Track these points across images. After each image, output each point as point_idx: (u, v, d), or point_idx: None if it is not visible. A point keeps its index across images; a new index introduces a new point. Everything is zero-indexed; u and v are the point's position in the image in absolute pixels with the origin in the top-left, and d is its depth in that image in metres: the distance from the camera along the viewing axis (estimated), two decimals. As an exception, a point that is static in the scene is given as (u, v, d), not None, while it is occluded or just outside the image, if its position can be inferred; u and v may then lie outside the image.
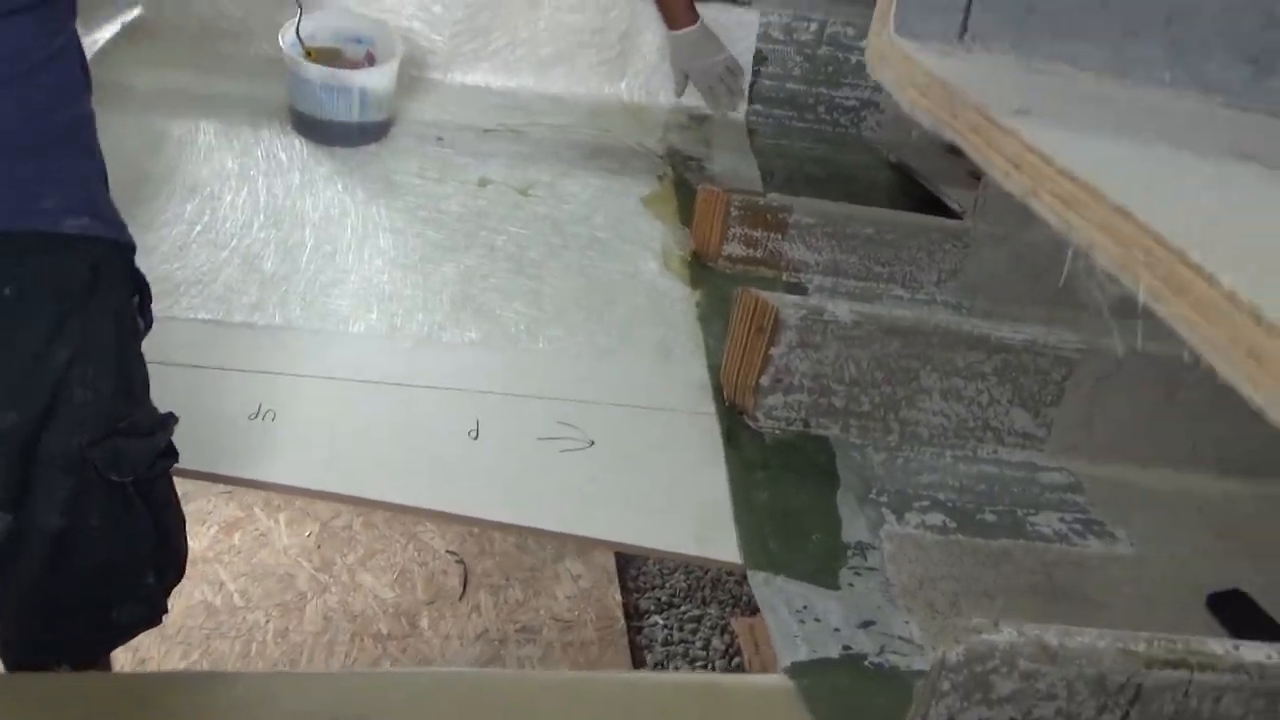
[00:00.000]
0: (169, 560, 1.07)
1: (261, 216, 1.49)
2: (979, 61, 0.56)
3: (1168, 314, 0.42)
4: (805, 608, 1.11)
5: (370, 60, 1.72)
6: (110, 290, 0.96)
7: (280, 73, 1.66)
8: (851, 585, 1.16)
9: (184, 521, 1.08)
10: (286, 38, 1.64)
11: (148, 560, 1.03)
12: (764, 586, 1.14)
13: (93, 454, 0.93)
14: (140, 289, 1.02)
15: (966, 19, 0.57)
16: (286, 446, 1.18)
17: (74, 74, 0.96)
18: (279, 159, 1.60)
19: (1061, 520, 1.31)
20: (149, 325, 1.04)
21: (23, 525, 0.92)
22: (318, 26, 1.72)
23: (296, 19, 1.66)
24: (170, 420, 1.01)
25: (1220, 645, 0.82)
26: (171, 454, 1.02)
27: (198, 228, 1.44)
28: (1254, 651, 0.82)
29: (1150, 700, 0.79)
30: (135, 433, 0.98)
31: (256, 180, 1.55)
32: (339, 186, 1.57)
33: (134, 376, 0.99)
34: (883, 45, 0.58)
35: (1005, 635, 0.77)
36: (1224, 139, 0.56)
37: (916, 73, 0.54)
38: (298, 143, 1.64)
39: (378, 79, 1.65)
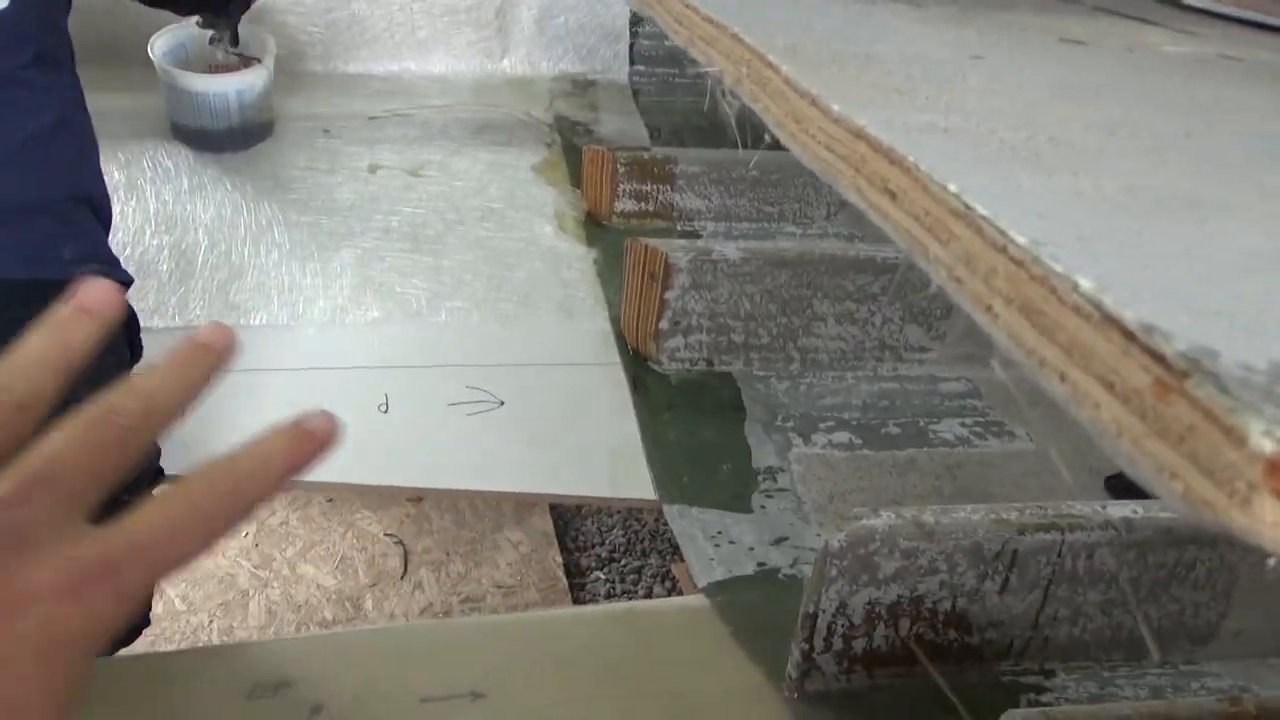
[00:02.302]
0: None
1: (153, 224, 1.49)
2: None
3: (759, 109, 0.48)
4: (720, 533, 1.16)
5: (245, 63, 1.72)
6: (120, 329, 1.04)
7: (158, 82, 1.66)
8: (764, 507, 1.20)
9: None
10: (156, 49, 1.64)
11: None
12: (679, 518, 1.17)
13: None
14: (132, 322, 1.11)
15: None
16: (197, 444, 1.19)
17: (80, 139, 1.09)
18: (165, 166, 1.60)
19: (962, 425, 1.37)
20: (139, 356, 1.12)
21: None
22: (188, 36, 1.71)
23: (166, 31, 1.66)
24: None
25: (1088, 506, 0.87)
26: (162, 472, 1.10)
27: (88, 241, 1.43)
28: (1120, 509, 0.88)
29: (1026, 563, 0.84)
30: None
31: (144, 190, 1.55)
32: (228, 186, 1.58)
33: None
34: None
35: (884, 519, 0.82)
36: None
37: None
38: (183, 150, 1.64)
39: (252, 81, 1.64)
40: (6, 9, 1.00)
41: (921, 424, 1.37)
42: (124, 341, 1.08)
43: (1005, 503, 0.91)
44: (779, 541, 1.15)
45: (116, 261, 1.07)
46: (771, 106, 0.48)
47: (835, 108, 0.46)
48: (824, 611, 0.82)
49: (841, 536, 0.80)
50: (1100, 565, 0.86)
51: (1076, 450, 1.36)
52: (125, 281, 1.09)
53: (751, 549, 1.13)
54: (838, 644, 0.83)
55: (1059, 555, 0.85)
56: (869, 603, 0.82)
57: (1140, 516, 0.87)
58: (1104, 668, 0.91)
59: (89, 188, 1.08)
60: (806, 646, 0.83)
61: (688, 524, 1.17)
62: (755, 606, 1.04)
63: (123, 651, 1.10)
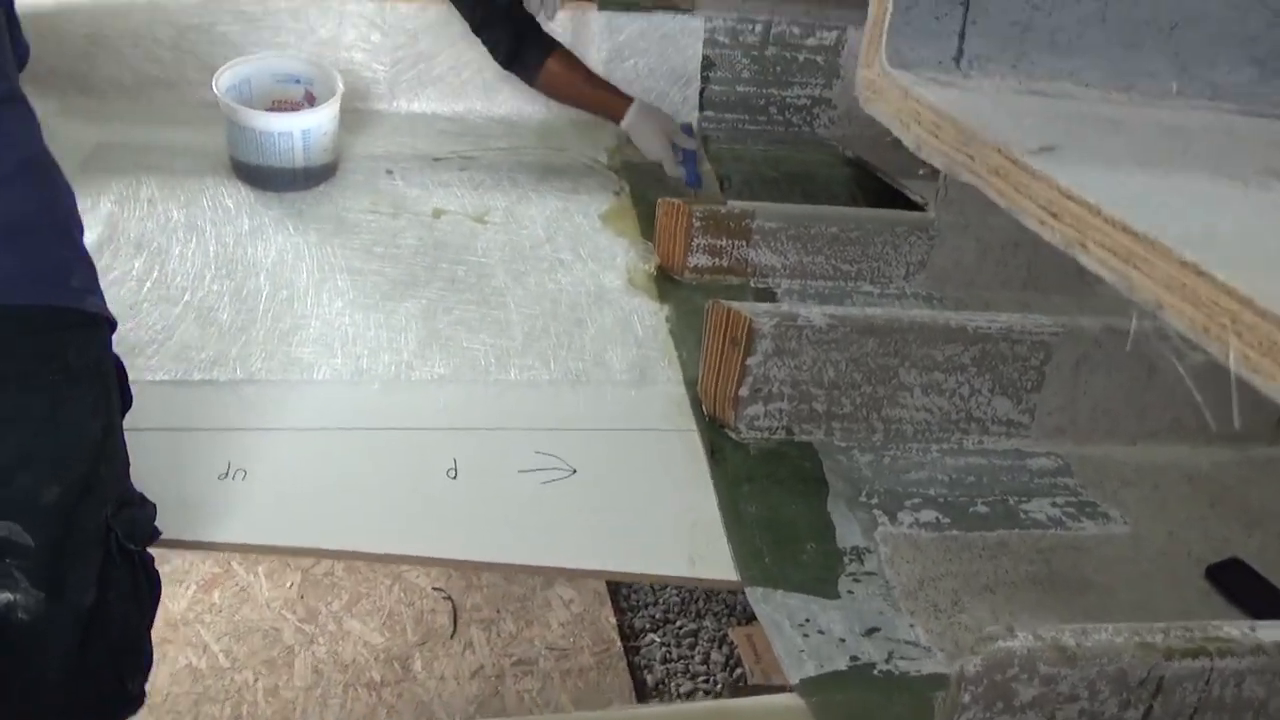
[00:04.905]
0: (151, 630, 1.07)
1: (213, 267, 1.44)
2: (980, 87, 0.53)
3: (1270, 388, 0.38)
4: (808, 620, 1.09)
5: (310, 100, 1.68)
6: (114, 368, 1.03)
7: (220, 117, 1.62)
8: (852, 592, 1.14)
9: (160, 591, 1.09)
10: (221, 83, 1.60)
11: (149, 628, 1.06)
12: (763, 603, 1.11)
13: (114, 523, 0.97)
14: (120, 371, 1.05)
15: (962, 43, 0.54)
16: (260, 504, 1.14)
17: (59, 170, 1.04)
18: (225, 206, 1.56)
19: (1054, 505, 1.30)
20: (129, 404, 1.07)
21: (55, 603, 0.92)
22: (253, 71, 1.67)
23: (232, 65, 1.63)
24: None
25: (1237, 628, 0.81)
26: (158, 532, 1.05)
27: (147, 284, 1.39)
28: (1272, 631, 0.81)
29: (1173, 691, 0.78)
30: (139, 502, 1.03)
31: (204, 230, 1.51)
32: (290, 229, 1.53)
33: (127, 452, 1.04)
34: (875, 78, 0.54)
35: (1022, 641, 0.75)
36: (1255, 158, 0.53)
37: (920, 109, 0.51)
38: (243, 188, 1.60)
39: (319, 119, 1.60)
40: None
41: (1011, 503, 1.30)
42: (115, 389, 1.02)
43: (1127, 609, 0.85)
44: (871, 633, 1.08)
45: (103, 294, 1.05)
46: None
47: None
48: (954, 740, 0.75)
49: (978, 661, 0.73)
50: (1250, 694, 0.79)
51: (1174, 535, 1.29)
52: (112, 324, 1.03)
53: (843, 640, 1.07)
54: (966, 774, 0.77)
55: (1207, 683, 0.78)
56: (1002, 731, 0.76)
57: (1292, 640, 0.80)
58: (1246, 801, 0.83)
59: (78, 219, 1.05)
60: (934, 777, 0.76)
61: (772, 609, 1.11)
62: (854, 709, 0.97)
63: None
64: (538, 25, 1.82)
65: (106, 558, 0.96)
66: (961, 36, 0.54)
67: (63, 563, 0.92)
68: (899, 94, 0.52)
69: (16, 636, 0.91)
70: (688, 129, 1.88)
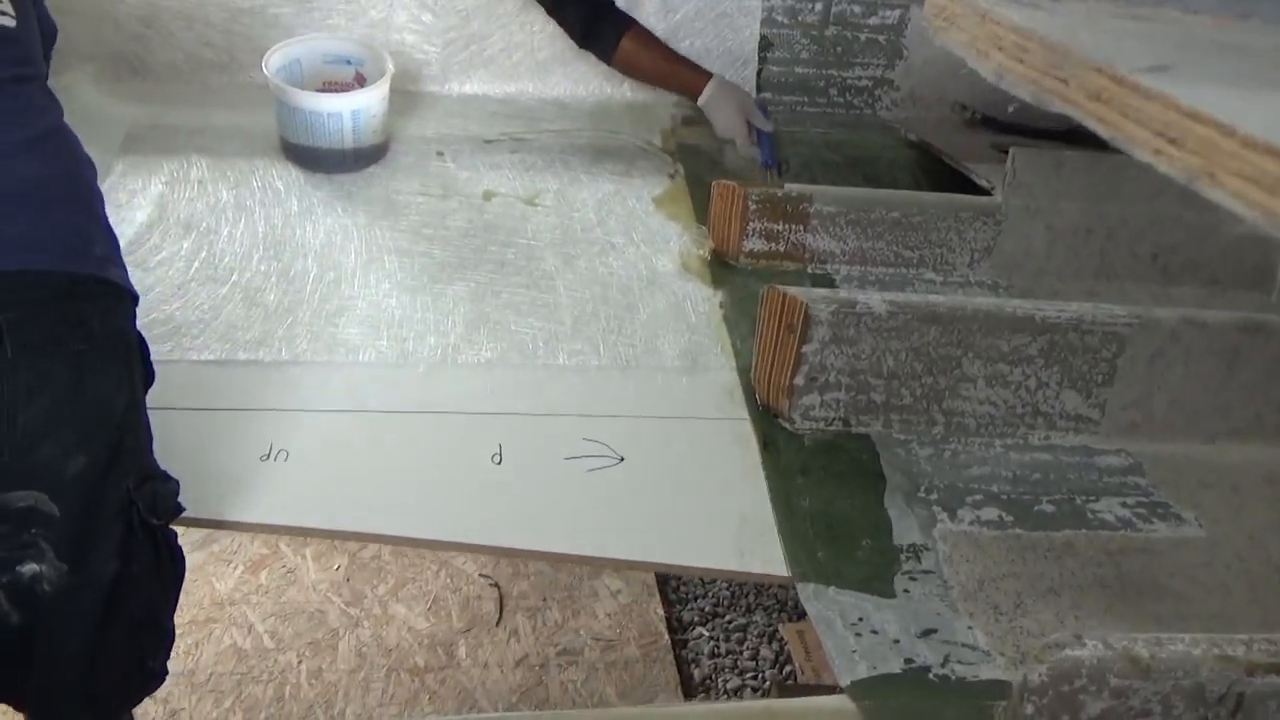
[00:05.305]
0: (175, 608, 1.06)
1: (261, 248, 1.43)
2: (1071, 12, 0.47)
3: None
4: (861, 619, 1.05)
5: (360, 81, 1.66)
6: (137, 341, 1.02)
7: (271, 100, 1.60)
8: (908, 591, 1.09)
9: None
10: (271, 64, 1.58)
11: (173, 606, 1.04)
12: (814, 600, 1.07)
13: (137, 497, 0.96)
14: (143, 347, 1.04)
15: (1051, -39, 0.48)
16: (301, 486, 1.12)
17: (79, 144, 1.05)
18: (275, 187, 1.54)
19: (1124, 505, 1.24)
20: (153, 380, 1.06)
21: (78, 576, 0.92)
22: (304, 52, 1.66)
23: (282, 46, 1.61)
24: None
25: (1326, 641, 0.75)
26: (181, 508, 1.02)
27: (195, 264, 1.38)
28: (1364, 645, 0.75)
29: (1254, 710, 0.72)
30: (161, 477, 1.01)
31: (253, 211, 1.49)
32: (339, 211, 1.52)
33: (149, 426, 1.02)
34: (947, 4, 0.49)
35: (1091, 650, 0.70)
36: None
37: (1001, 32, 0.45)
38: (293, 170, 1.58)
39: (369, 100, 1.58)
40: (15, 27, 1.04)
41: (1078, 502, 1.24)
42: (138, 362, 1.01)
43: (1202, 617, 0.79)
44: (926, 634, 1.04)
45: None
46: None
47: None
48: (1016, 754, 0.70)
49: (1043, 670, 0.68)
50: (1340, 713, 0.73)
51: (1254, 540, 1.22)
52: (135, 297, 1.03)
53: (897, 641, 1.02)
54: (1028, 790, 0.72)
55: (1293, 701, 0.72)
56: (1068, 746, 0.71)
57: (1388, 657, 0.74)
58: (1332, 827, 0.78)
59: (99, 193, 1.05)
60: (993, 792, 0.72)
61: (824, 606, 1.07)
62: (907, 714, 0.93)
63: (222, 706, 1.03)
64: (610, 2, 1.78)
65: (128, 532, 0.95)
66: (1052, -47, 0.48)
67: (87, 536, 0.91)
68: (975, 18, 0.47)
69: (40, 609, 0.90)
70: (763, 107, 1.83)
